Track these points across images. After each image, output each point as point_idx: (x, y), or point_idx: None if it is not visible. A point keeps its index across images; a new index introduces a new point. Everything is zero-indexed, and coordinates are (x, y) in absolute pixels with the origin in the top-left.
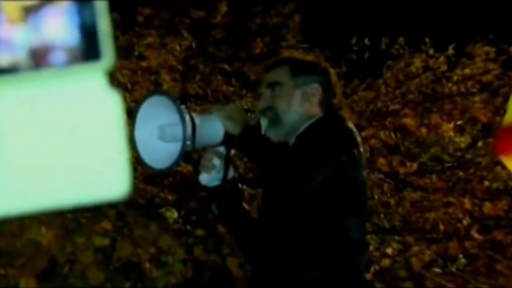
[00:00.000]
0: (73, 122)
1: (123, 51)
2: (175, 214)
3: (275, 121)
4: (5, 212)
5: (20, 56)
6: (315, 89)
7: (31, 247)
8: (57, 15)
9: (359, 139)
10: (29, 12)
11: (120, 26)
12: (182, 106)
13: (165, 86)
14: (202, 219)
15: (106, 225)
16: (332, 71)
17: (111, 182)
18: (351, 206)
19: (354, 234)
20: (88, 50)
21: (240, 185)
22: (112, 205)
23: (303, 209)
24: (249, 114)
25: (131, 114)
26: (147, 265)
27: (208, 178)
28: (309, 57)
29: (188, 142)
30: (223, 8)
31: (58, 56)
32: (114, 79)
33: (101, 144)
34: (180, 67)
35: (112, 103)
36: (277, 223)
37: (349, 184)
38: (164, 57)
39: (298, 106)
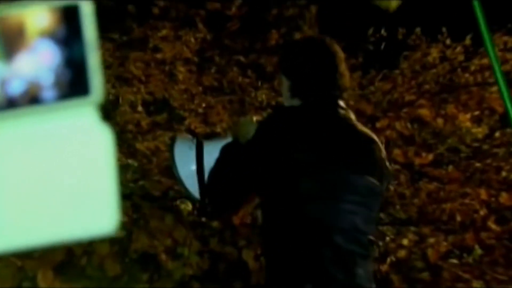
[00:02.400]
0: (63, 158)
1: (137, 44)
2: (189, 206)
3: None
4: None
5: (8, 92)
6: (282, 78)
7: None
8: (47, 50)
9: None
10: (18, 48)
11: (135, 19)
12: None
13: (180, 77)
14: None
15: (122, 217)
16: (317, 58)
17: (100, 218)
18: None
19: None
20: (77, 85)
21: None
22: (127, 197)
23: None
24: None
25: (147, 106)
26: (163, 256)
27: None
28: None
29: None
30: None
31: (48, 92)
32: (128, 71)
33: (91, 180)
34: (195, 59)
35: (103, 137)
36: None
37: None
38: (179, 49)
39: (284, 94)
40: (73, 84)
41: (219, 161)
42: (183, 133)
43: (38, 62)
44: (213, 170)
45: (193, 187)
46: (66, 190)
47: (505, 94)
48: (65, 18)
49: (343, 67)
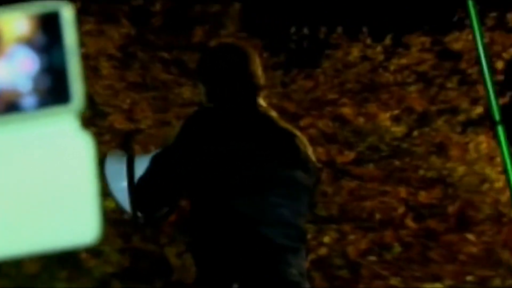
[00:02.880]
0: (43, 166)
1: None
2: (112, 204)
3: None
4: None
5: None
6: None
7: None
8: (25, 57)
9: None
10: (8, 51)
11: None
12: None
13: (104, 73)
14: None
15: None
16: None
17: (81, 228)
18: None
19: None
20: (58, 92)
21: None
22: None
23: None
24: None
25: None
26: (83, 254)
27: None
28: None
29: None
30: None
31: (27, 100)
32: None
33: (71, 188)
34: (119, 55)
35: (83, 146)
36: None
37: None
38: (103, 44)
39: None
40: (53, 91)
41: (146, 170)
42: (114, 151)
43: (17, 69)
44: (141, 180)
45: (125, 202)
46: (46, 199)
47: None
48: (45, 24)
49: (254, 67)
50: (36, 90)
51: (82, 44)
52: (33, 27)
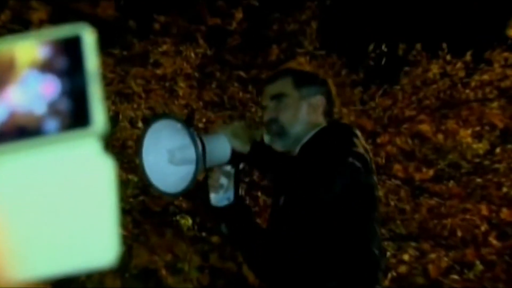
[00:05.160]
0: (63, 189)
1: (138, 59)
2: (189, 222)
3: (281, 133)
4: None
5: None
6: (319, 100)
7: None
8: (45, 81)
9: (367, 145)
10: (23, 76)
11: (136, 34)
12: (191, 128)
13: (181, 93)
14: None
15: (123, 232)
16: (330, 81)
17: (99, 250)
18: (368, 212)
19: (373, 241)
20: (78, 116)
21: (252, 193)
22: (128, 212)
23: (322, 218)
24: (253, 132)
25: (146, 121)
26: (164, 272)
27: (216, 198)
28: (308, 68)
29: (200, 164)
30: (239, 15)
31: (48, 124)
32: (128, 87)
33: (91, 212)
34: (196, 74)
35: (104, 169)
36: (292, 233)
37: (365, 191)
38: (180, 64)
39: (304, 118)
40: (74, 115)
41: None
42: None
43: (36, 93)
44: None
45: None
46: (65, 222)
47: None
48: (66, 48)
49: None
50: (56, 113)
51: (159, 64)
52: (53, 52)
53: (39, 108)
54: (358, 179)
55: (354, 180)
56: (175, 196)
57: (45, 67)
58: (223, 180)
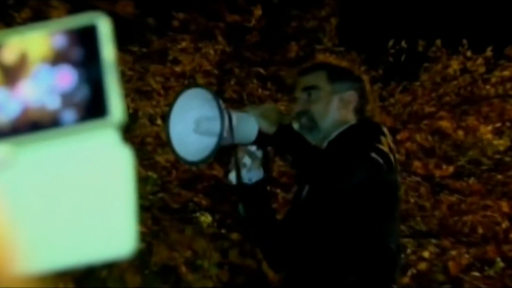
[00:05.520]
0: (82, 180)
1: (157, 56)
2: (209, 219)
3: (311, 126)
4: (13, 273)
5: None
6: (351, 96)
7: None
8: (62, 72)
9: (393, 145)
10: (36, 69)
11: (155, 31)
12: (220, 100)
13: None
14: (237, 223)
15: (142, 229)
16: (366, 78)
17: (118, 241)
18: (388, 210)
19: (391, 238)
20: (96, 107)
21: (271, 188)
22: (147, 209)
23: (341, 211)
24: (282, 116)
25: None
26: (183, 269)
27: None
28: (344, 63)
29: (224, 137)
30: (258, 12)
31: (65, 115)
32: (147, 84)
33: (109, 202)
34: (215, 71)
35: (122, 159)
36: (311, 225)
37: (386, 188)
38: (199, 61)
39: (335, 112)
40: (90, 105)
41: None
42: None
43: (53, 84)
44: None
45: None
46: (84, 213)
47: None
48: (81, 38)
49: None
50: (72, 105)
51: (178, 61)
52: (68, 42)
53: (53, 102)
54: (379, 175)
55: (374, 176)
56: (192, 164)
57: (60, 58)
58: (247, 160)
